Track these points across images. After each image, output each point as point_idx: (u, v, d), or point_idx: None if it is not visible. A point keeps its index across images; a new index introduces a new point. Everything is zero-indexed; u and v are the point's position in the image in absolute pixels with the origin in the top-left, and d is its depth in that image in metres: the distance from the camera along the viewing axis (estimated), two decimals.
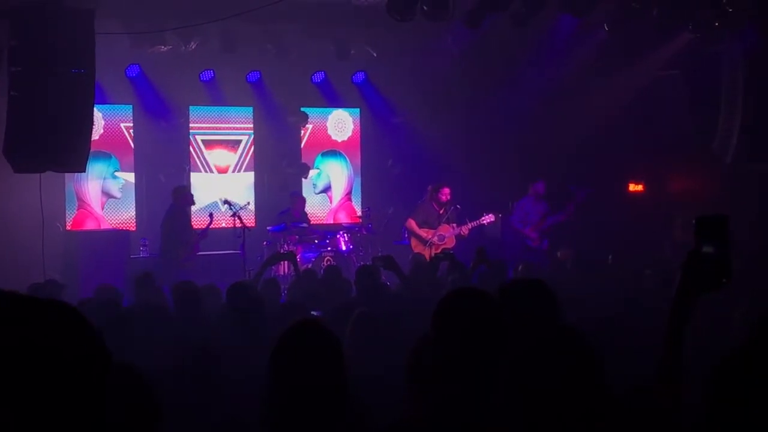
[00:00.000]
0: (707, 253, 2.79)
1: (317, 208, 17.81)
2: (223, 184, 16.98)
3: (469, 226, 14.83)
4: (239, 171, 17.35)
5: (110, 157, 16.10)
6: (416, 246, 14.96)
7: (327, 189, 18.29)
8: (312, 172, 17.90)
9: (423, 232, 14.88)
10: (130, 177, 16.37)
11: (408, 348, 3.68)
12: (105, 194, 16.16)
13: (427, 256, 14.36)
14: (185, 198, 14.70)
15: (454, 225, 14.96)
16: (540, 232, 15.02)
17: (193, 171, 16.86)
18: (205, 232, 14.81)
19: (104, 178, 15.97)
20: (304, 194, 16.95)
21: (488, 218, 14.95)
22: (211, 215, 15.12)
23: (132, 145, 16.35)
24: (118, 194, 16.27)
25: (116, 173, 16.19)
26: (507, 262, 10.98)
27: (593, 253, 12.77)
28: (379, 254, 15.65)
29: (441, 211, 14.91)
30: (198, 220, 15.49)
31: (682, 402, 2.81)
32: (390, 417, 3.61)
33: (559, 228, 15.04)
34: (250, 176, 17.41)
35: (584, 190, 14.84)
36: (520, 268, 10.62)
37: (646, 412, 2.80)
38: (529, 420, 2.47)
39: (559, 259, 12.52)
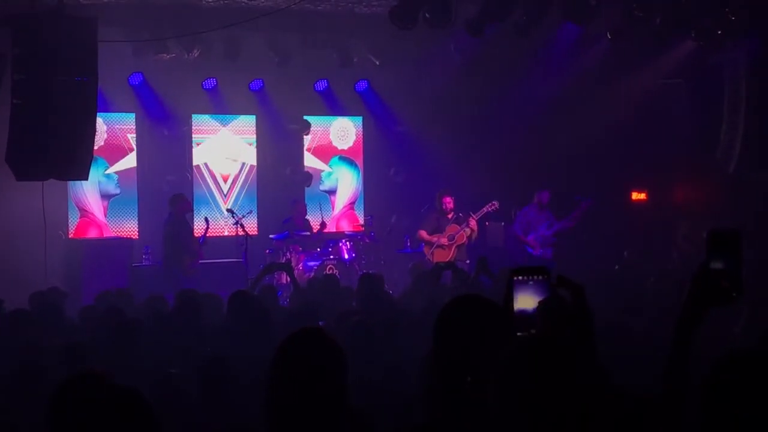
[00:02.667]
0: (717, 267, 2.77)
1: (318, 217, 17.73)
2: (225, 193, 16.97)
3: (475, 217, 14.70)
4: (241, 179, 17.33)
5: (96, 159, 16.04)
6: (435, 254, 14.77)
7: (333, 191, 18.29)
8: (324, 168, 17.96)
9: (434, 238, 14.78)
10: (123, 166, 16.28)
11: (405, 356, 3.67)
12: (104, 196, 16.11)
13: (448, 258, 14.26)
14: (183, 205, 14.63)
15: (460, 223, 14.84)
16: (542, 239, 14.97)
17: (196, 180, 16.84)
18: (203, 239, 14.79)
19: (98, 181, 15.89)
20: (310, 196, 16.95)
21: (492, 206, 14.81)
22: (206, 220, 15.10)
23: (134, 154, 16.32)
24: (116, 190, 16.22)
25: (106, 172, 16.12)
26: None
27: (597, 261, 12.78)
28: (382, 262, 15.69)
29: (449, 216, 14.82)
30: (194, 228, 15.45)
31: (685, 412, 2.80)
32: (389, 423, 3.60)
33: (562, 236, 15.02)
34: (253, 185, 17.39)
35: (586, 200, 14.80)
36: None
37: (651, 421, 2.79)
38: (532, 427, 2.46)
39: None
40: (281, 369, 3.53)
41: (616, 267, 12.24)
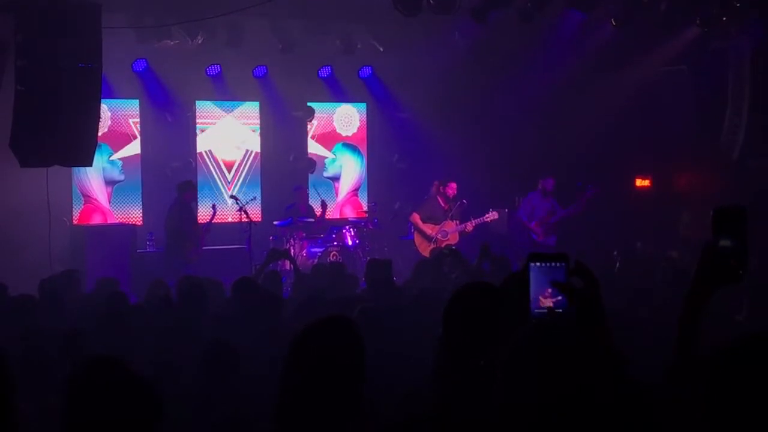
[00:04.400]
0: (725, 244, 2.77)
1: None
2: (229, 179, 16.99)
3: (473, 223, 14.83)
4: (245, 166, 17.33)
5: (100, 145, 16.03)
6: (420, 241, 14.96)
7: (336, 178, 18.29)
8: (328, 155, 17.96)
9: (427, 228, 14.90)
10: (127, 152, 16.29)
11: (412, 342, 3.67)
12: (108, 183, 16.13)
13: (428, 252, 14.39)
14: (190, 193, 14.67)
15: (458, 222, 14.96)
16: (546, 227, 15.00)
17: (200, 167, 16.85)
18: (209, 225, 14.81)
19: (102, 168, 15.91)
20: (313, 183, 16.96)
21: (492, 216, 14.93)
22: (214, 207, 15.14)
23: (138, 140, 16.33)
24: (120, 177, 16.24)
25: (111, 158, 16.14)
26: (512, 257, 10.98)
27: (601, 248, 12.76)
28: (385, 249, 15.72)
29: (446, 207, 14.91)
30: (201, 214, 15.47)
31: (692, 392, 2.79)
32: (393, 411, 3.60)
33: (566, 223, 15.03)
34: (256, 171, 17.39)
35: (591, 188, 14.82)
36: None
37: (660, 408, 2.78)
38: (542, 413, 2.45)
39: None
40: (302, 355, 3.51)
41: (617, 259, 12.21)
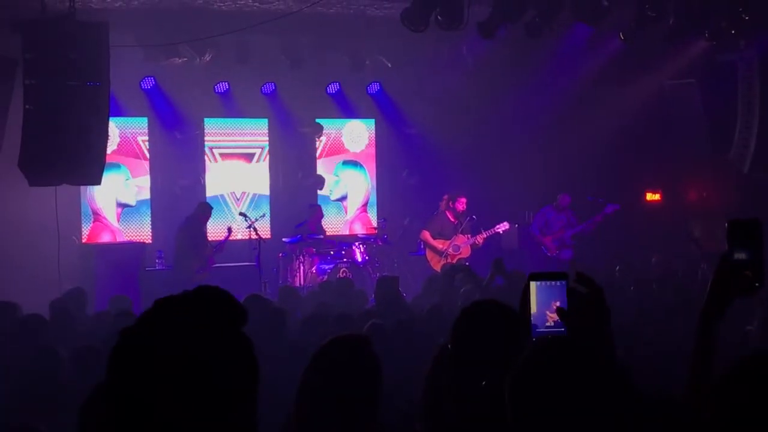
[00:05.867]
0: (740, 257, 2.75)
1: (333, 219, 17.73)
2: (240, 175, 16.98)
3: (484, 235, 14.82)
4: (254, 184, 17.34)
5: (119, 166, 16.08)
6: (432, 257, 14.94)
7: (343, 198, 18.26)
8: (330, 180, 17.87)
9: (438, 243, 14.88)
10: (143, 182, 16.35)
11: (421, 358, 3.64)
12: (120, 204, 16.15)
13: (440, 267, 14.35)
14: (205, 215, 14.75)
15: (469, 235, 14.94)
16: (559, 241, 14.97)
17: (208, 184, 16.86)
18: (222, 245, 14.82)
19: (117, 188, 15.96)
20: (320, 202, 16.91)
21: (503, 226, 14.90)
22: (229, 229, 15.19)
23: (147, 158, 16.35)
24: (132, 202, 16.27)
25: (127, 181, 16.18)
26: (524, 272, 10.93)
27: (614, 262, 12.73)
28: (395, 265, 15.68)
29: (456, 222, 14.89)
30: (215, 232, 15.47)
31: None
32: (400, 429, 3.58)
33: (579, 238, 15.01)
34: (266, 188, 17.38)
35: (610, 205, 14.80)
36: None
37: (671, 422, 2.75)
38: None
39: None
40: (319, 372, 3.51)
41: (617, 268, 12.19)
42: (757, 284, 2.72)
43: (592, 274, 2.81)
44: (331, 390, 3.45)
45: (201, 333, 1.92)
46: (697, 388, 2.77)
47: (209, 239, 14.95)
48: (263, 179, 17.40)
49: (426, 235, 15.03)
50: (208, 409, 1.87)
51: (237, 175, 17.19)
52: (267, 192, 17.35)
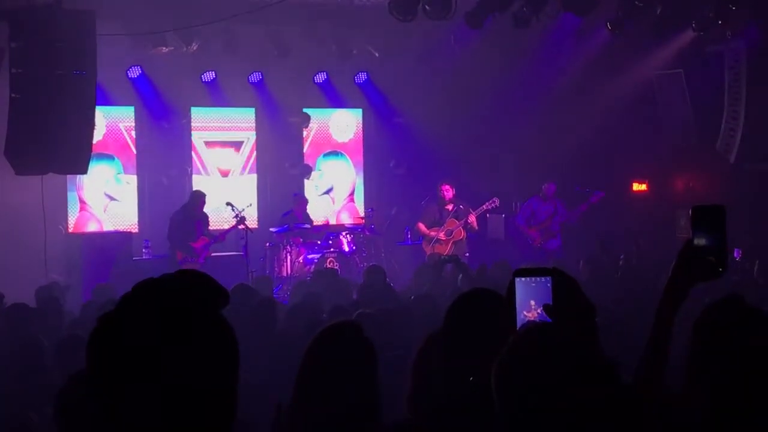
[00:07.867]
0: (703, 242, 2.77)
1: (320, 210, 17.62)
2: (225, 186, 16.87)
3: (475, 214, 14.76)
4: (241, 173, 17.27)
5: (113, 158, 16.04)
6: (429, 247, 14.85)
7: (330, 191, 18.21)
8: (314, 174, 17.79)
9: (433, 232, 14.83)
10: (134, 180, 16.30)
11: (410, 347, 3.65)
12: (108, 197, 16.08)
13: (446, 251, 14.33)
14: (197, 202, 14.60)
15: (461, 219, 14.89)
16: (546, 231, 14.99)
17: (195, 174, 16.77)
18: (224, 235, 14.74)
19: (107, 181, 15.90)
20: (307, 196, 16.84)
21: (492, 203, 14.86)
22: (243, 219, 14.77)
23: (134, 147, 16.29)
24: (120, 198, 16.16)
25: (119, 176, 16.12)
26: (511, 263, 10.96)
27: (600, 252, 12.78)
28: (382, 255, 15.69)
29: (448, 207, 14.83)
30: (216, 222, 15.37)
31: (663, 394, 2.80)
32: (387, 417, 3.59)
33: (565, 228, 15.04)
34: (253, 178, 17.34)
35: (597, 193, 14.85)
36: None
37: (626, 407, 2.75)
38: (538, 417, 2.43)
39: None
40: (316, 360, 3.52)
41: (621, 257, 12.22)
42: (720, 269, 2.75)
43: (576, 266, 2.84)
44: (330, 379, 3.46)
45: (179, 315, 1.91)
46: (650, 374, 2.78)
47: (211, 228, 14.83)
48: (250, 170, 17.35)
49: (421, 226, 14.98)
50: (185, 390, 1.87)
51: (223, 166, 17.13)
52: (254, 182, 17.31)
